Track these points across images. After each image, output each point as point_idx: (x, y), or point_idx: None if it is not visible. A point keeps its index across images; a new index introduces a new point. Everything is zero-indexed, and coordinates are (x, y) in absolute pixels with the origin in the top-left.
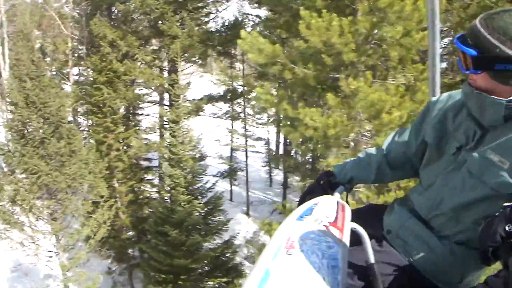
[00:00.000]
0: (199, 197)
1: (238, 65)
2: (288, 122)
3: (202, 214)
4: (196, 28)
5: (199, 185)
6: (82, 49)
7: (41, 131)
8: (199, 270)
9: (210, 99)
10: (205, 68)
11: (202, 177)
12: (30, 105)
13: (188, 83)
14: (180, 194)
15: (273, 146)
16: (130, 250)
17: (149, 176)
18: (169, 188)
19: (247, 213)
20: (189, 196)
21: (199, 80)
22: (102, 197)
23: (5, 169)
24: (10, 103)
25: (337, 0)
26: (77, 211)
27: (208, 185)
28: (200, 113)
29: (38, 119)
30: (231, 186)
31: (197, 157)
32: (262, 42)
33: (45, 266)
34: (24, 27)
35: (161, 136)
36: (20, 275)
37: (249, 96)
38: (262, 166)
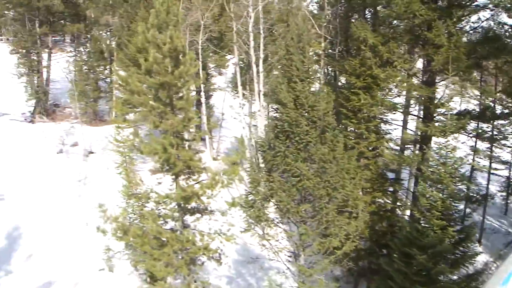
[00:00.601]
0: (452, 223)
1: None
2: None
3: (452, 242)
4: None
5: (454, 210)
6: (332, 49)
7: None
8: None
9: (473, 117)
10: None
11: (458, 203)
12: (299, 107)
13: (451, 98)
14: (434, 218)
15: None
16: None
17: (391, 189)
18: (422, 208)
19: (479, 241)
20: (443, 222)
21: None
22: (356, 208)
23: (262, 165)
24: (278, 102)
25: None
26: (332, 221)
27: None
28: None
29: (305, 121)
30: (465, 208)
31: (456, 179)
32: None
33: (283, 265)
34: (296, 28)
35: (401, 149)
36: (255, 268)
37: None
38: (499, 191)
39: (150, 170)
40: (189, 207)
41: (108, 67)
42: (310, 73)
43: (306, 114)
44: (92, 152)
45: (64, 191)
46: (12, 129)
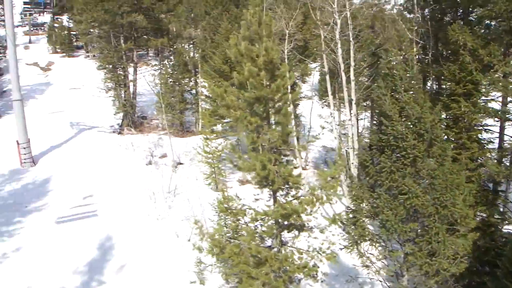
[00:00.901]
0: None
1: None
2: None
3: None
4: None
5: None
6: (424, 54)
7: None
8: None
9: None
10: None
11: None
12: (405, 119)
13: None
14: None
15: None
16: None
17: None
18: None
19: None
20: None
21: None
22: (466, 226)
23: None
24: (382, 115)
25: None
26: (443, 241)
27: None
28: None
29: (413, 135)
30: None
31: None
32: None
33: (380, 283)
34: (397, 34)
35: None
36: (348, 284)
37: None
38: None
39: (238, 180)
40: (286, 223)
41: (192, 79)
42: (416, 82)
43: (412, 126)
44: (181, 163)
45: (154, 202)
46: (102, 141)
